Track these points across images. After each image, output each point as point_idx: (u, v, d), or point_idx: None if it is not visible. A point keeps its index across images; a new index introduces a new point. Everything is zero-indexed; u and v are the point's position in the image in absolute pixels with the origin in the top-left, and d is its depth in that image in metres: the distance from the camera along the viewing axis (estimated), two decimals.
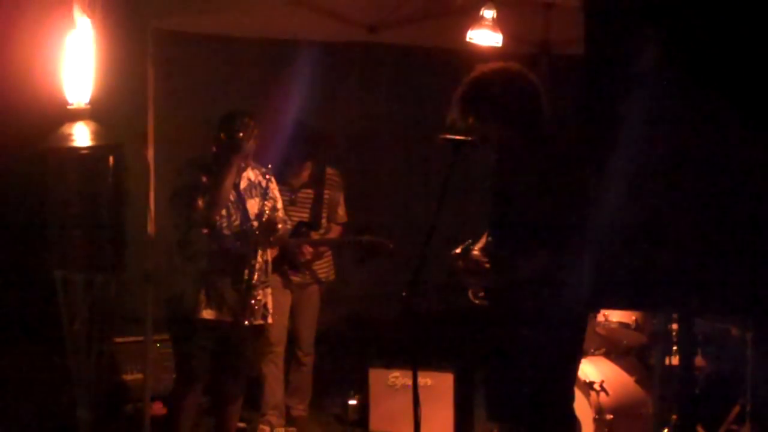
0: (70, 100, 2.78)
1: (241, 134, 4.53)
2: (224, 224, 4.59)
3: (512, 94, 3.59)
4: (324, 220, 5.61)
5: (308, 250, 5.48)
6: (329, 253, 5.69)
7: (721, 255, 2.53)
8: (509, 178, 3.67)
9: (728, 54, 2.49)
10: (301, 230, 5.49)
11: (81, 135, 2.71)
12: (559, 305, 3.45)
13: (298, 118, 5.63)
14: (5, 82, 4.89)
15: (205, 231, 4.54)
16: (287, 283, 5.49)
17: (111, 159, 2.75)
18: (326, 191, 5.60)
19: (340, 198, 5.68)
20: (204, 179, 4.54)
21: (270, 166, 4.82)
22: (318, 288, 5.67)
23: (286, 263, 5.45)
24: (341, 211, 5.68)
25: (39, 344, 5.07)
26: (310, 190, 5.57)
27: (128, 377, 5.53)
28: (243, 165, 4.68)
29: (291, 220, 5.38)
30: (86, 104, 2.78)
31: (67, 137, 2.71)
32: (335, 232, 5.65)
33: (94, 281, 2.74)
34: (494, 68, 3.63)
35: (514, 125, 3.60)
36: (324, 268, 5.67)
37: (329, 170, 5.65)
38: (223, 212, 4.58)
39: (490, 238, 3.72)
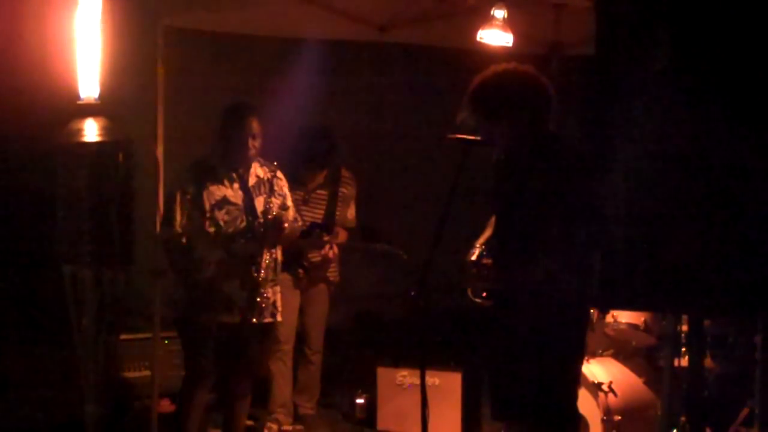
0: (80, 95, 2.79)
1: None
2: (230, 228, 4.55)
3: (523, 96, 3.59)
4: (337, 221, 5.60)
5: (334, 252, 5.47)
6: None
7: (731, 256, 2.52)
8: (515, 179, 3.66)
9: (740, 56, 2.48)
10: (314, 231, 5.49)
11: (91, 130, 2.73)
12: (560, 305, 3.45)
13: (316, 123, 5.63)
14: (16, 76, 4.91)
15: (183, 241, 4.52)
16: (297, 282, 5.49)
17: (120, 155, 2.76)
18: (340, 191, 5.60)
19: (352, 201, 5.68)
20: (188, 192, 4.51)
21: (276, 163, 4.78)
22: (327, 287, 5.67)
23: (297, 264, 5.45)
24: (350, 215, 5.67)
25: (47, 339, 5.09)
26: (323, 191, 5.56)
27: (136, 374, 5.54)
28: (247, 165, 4.64)
29: (303, 220, 5.38)
30: (96, 100, 2.80)
31: (78, 132, 2.73)
32: (342, 236, 5.63)
33: (103, 277, 2.75)
34: (506, 69, 3.63)
35: (524, 126, 3.60)
36: (332, 270, 5.67)
37: (344, 172, 5.64)
38: (227, 217, 4.55)
39: (494, 239, 3.72)
